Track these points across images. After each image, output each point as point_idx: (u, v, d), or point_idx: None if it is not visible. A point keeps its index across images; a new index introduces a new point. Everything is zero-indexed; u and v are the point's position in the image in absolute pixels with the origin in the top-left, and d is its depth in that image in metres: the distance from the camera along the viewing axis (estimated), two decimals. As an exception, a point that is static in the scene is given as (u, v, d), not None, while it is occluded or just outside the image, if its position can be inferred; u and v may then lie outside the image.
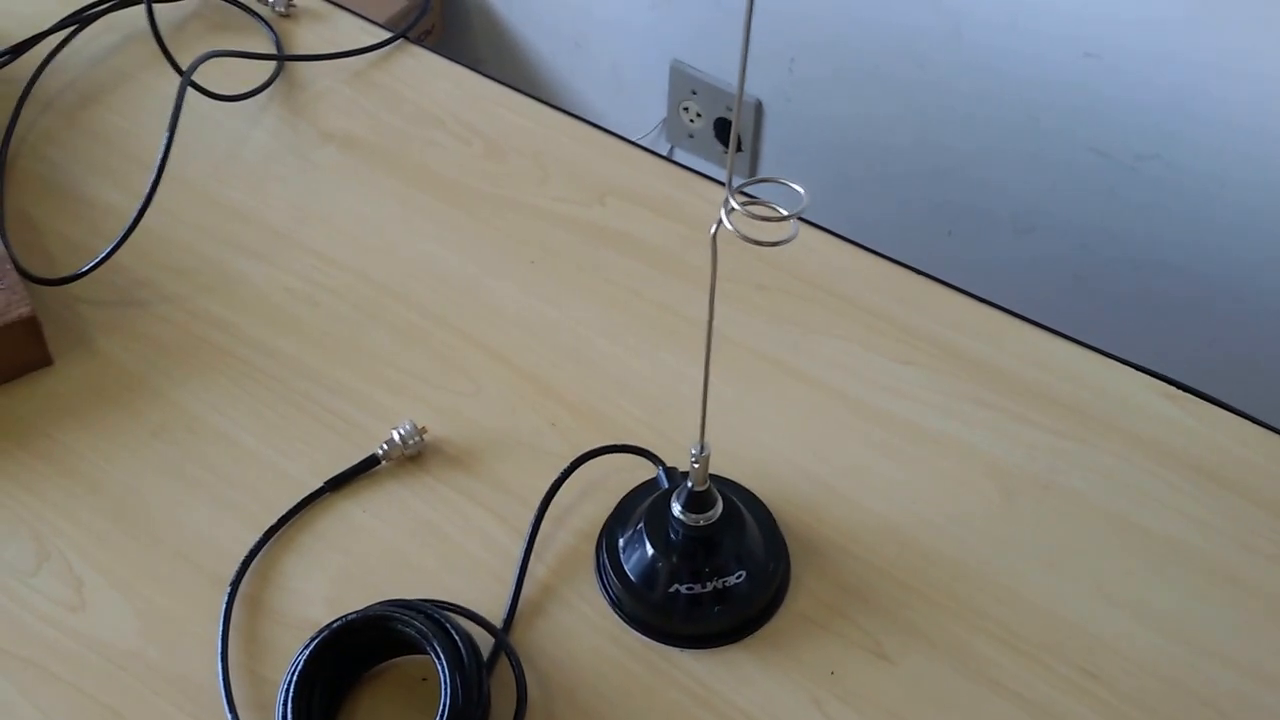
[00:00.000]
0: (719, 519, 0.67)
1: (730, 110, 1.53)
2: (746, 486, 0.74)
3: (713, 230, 0.55)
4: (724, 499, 0.68)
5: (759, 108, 1.46)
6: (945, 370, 0.81)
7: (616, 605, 0.70)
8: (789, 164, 1.47)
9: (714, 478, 0.68)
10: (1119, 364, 0.81)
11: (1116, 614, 0.69)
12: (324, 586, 0.70)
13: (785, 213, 0.51)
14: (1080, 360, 0.81)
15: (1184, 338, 1.32)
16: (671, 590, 0.68)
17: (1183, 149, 1.22)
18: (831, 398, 0.79)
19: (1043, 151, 1.30)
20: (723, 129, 1.54)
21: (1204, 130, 1.19)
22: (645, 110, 1.59)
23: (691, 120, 1.55)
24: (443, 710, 0.60)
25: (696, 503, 0.67)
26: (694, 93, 1.52)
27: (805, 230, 0.89)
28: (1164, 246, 1.29)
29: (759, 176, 0.52)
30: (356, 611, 0.65)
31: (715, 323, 0.60)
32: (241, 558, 0.70)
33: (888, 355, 0.82)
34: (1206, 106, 1.18)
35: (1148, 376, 0.81)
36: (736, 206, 0.52)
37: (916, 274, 0.86)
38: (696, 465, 0.65)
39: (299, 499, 0.73)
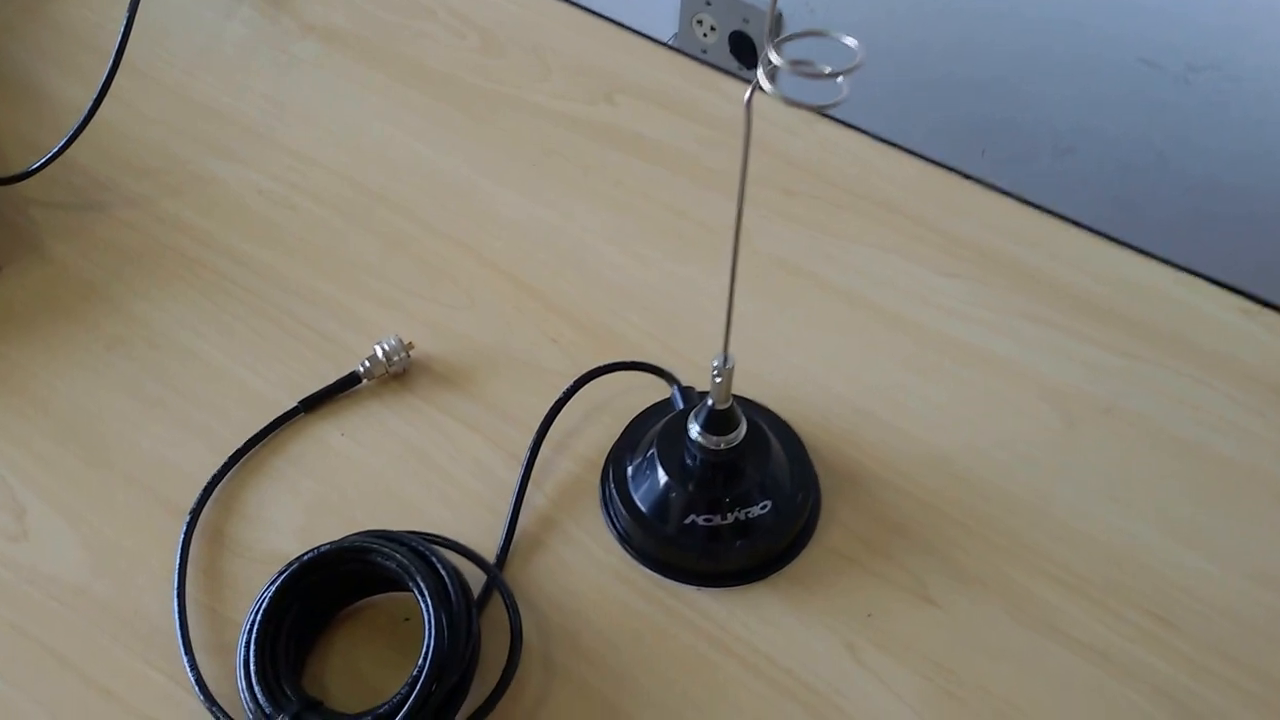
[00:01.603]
0: (742, 442, 0.59)
1: (746, 22, 1.43)
2: (773, 410, 0.65)
3: (747, 95, 0.46)
4: (748, 421, 0.60)
5: (779, 18, 1.36)
6: (995, 282, 0.72)
7: (624, 539, 0.62)
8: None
9: (737, 399, 0.59)
10: (1189, 276, 0.73)
11: (1190, 552, 0.61)
12: (295, 517, 0.62)
13: (834, 70, 0.42)
14: (1145, 272, 0.73)
15: (1238, 265, 1.23)
16: (687, 522, 0.60)
17: (1241, 60, 1.12)
18: (868, 313, 0.71)
19: (1086, 61, 1.20)
20: (739, 43, 1.44)
21: (1264, 41, 1.09)
22: (655, 24, 1.49)
23: (705, 35, 1.45)
24: (426, 653, 0.53)
25: (717, 423, 0.59)
26: (708, 3, 1.42)
27: (836, 130, 0.81)
28: (1218, 166, 1.19)
29: (801, 30, 0.43)
30: (330, 542, 0.57)
31: (733, 231, 0.51)
32: (203, 484, 0.62)
33: (930, 266, 0.73)
34: (1268, 15, 1.08)
35: (1221, 290, 0.72)
36: (778, 61, 0.43)
37: (962, 177, 0.78)
38: (719, 379, 0.56)
39: (270, 420, 0.65)
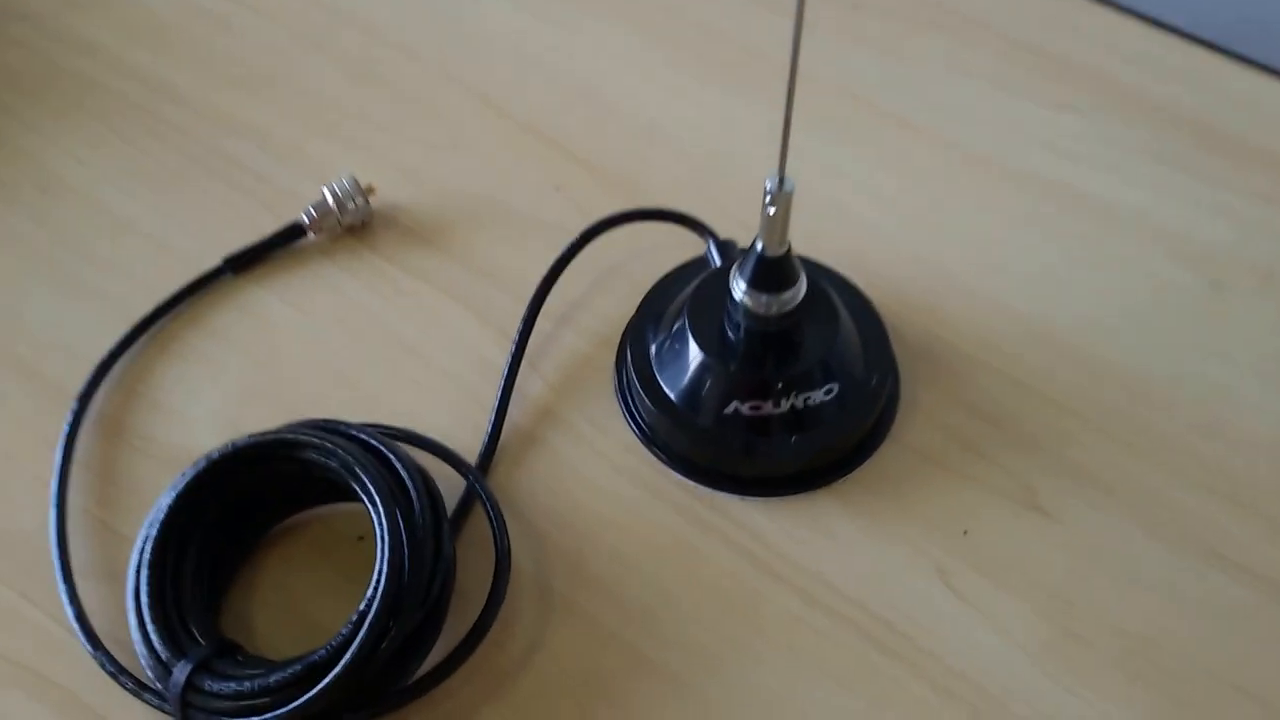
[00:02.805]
0: (800, 305, 0.45)
1: None
2: (838, 271, 0.51)
3: None
4: (809, 281, 0.45)
5: None
6: (1117, 118, 0.58)
7: (646, 435, 0.48)
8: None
9: (795, 256, 0.45)
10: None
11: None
12: (218, 405, 0.49)
13: None
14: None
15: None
16: (728, 411, 0.46)
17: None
18: (958, 156, 0.57)
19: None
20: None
21: None
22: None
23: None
24: (377, 581, 0.39)
25: (769, 277, 0.44)
26: None
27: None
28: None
29: None
30: (253, 435, 0.43)
31: (780, 51, 0.37)
32: (97, 362, 0.48)
33: (1035, 98, 0.59)
34: None
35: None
36: None
37: (1067, -11, 0.62)
38: (772, 210, 0.41)
39: (187, 283, 0.51)
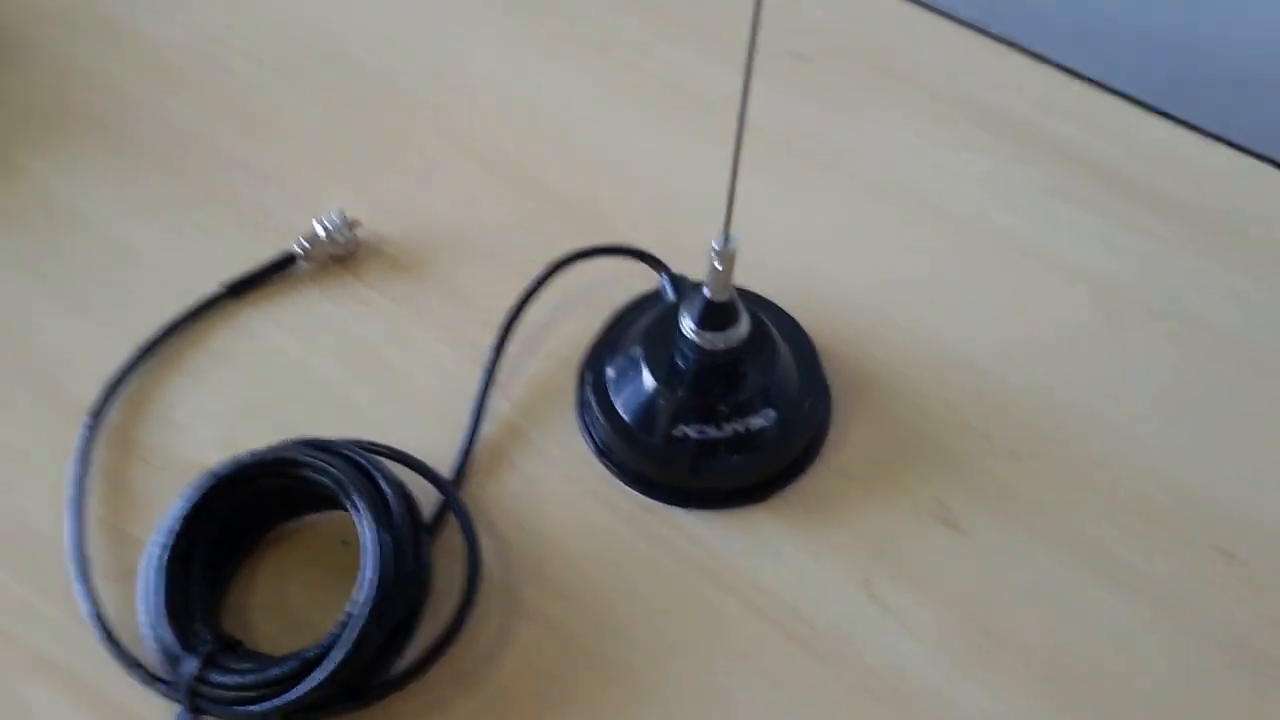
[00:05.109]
0: (743, 342, 0.50)
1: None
2: (778, 304, 0.56)
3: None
4: (750, 317, 0.51)
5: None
6: (1030, 160, 0.64)
7: (603, 452, 0.53)
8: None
9: (738, 292, 0.50)
10: (1247, 157, 0.64)
11: (1257, 475, 0.53)
12: (217, 421, 0.54)
13: None
14: (1202, 151, 0.64)
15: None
16: (677, 433, 0.51)
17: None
18: (886, 195, 0.62)
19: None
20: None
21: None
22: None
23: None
24: (363, 585, 0.44)
25: (716, 318, 0.49)
26: None
27: (854, -14, 0.70)
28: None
29: None
30: (253, 451, 0.48)
31: (735, 98, 0.42)
32: (108, 380, 0.53)
33: (957, 142, 0.64)
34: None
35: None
36: None
37: (992, 39, 0.68)
38: (719, 265, 0.47)
39: (189, 307, 0.56)
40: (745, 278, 0.51)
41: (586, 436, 0.54)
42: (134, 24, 0.67)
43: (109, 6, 0.68)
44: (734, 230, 0.46)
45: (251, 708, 0.44)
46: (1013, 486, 0.53)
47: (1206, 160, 0.63)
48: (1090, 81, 0.66)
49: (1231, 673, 0.48)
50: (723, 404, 0.51)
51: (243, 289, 0.57)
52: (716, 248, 0.46)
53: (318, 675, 0.43)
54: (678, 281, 0.56)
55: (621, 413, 0.52)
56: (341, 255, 0.58)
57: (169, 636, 0.44)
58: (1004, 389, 0.56)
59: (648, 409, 0.52)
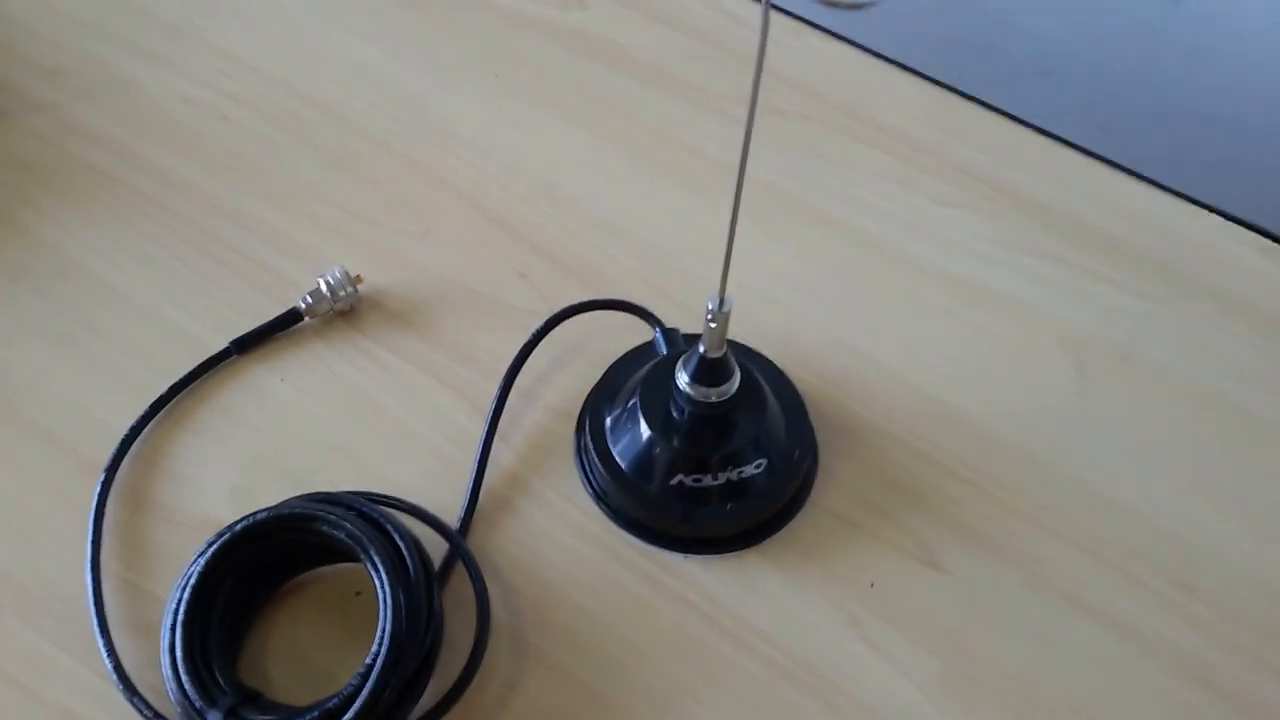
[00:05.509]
0: (735, 394, 0.53)
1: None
2: (766, 355, 0.59)
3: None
4: (740, 368, 0.53)
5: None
6: (1003, 216, 0.67)
7: (603, 500, 0.56)
8: None
9: (729, 344, 0.53)
10: (1206, 212, 0.67)
11: (1216, 514, 0.57)
12: (228, 475, 0.55)
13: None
14: (1163, 207, 0.68)
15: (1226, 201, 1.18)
16: (673, 482, 0.54)
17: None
18: (866, 248, 0.65)
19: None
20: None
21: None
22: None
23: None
24: (382, 634, 0.46)
25: (709, 373, 0.52)
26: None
27: (830, 44, 0.73)
28: (1207, 96, 1.13)
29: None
30: (269, 508, 0.50)
31: (723, 154, 0.44)
32: (120, 436, 0.55)
33: (933, 196, 0.67)
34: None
35: (1240, 228, 0.67)
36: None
37: (965, 99, 0.71)
38: (713, 324, 0.50)
39: (198, 363, 0.57)
40: (732, 328, 0.53)
41: (587, 485, 0.56)
42: (135, 78, 0.69)
43: (112, 64, 0.70)
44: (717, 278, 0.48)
45: (274, 758, 0.45)
46: (992, 528, 0.56)
47: (1165, 214, 0.67)
48: (1055, 138, 0.70)
49: (1204, 697, 0.51)
50: (716, 454, 0.54)
51: (249, 344, 0.59)
52: (712, 307, 0.49)
53: (339, 724, 0.45)
54: (670, 335, 0.58)
55: (619, 462, 0.55)
56: (344, 309, 0.60)
57: (192, 690, 0.46)
58: (983, 435, 0.58)
59: (645, 458, 0.54)
